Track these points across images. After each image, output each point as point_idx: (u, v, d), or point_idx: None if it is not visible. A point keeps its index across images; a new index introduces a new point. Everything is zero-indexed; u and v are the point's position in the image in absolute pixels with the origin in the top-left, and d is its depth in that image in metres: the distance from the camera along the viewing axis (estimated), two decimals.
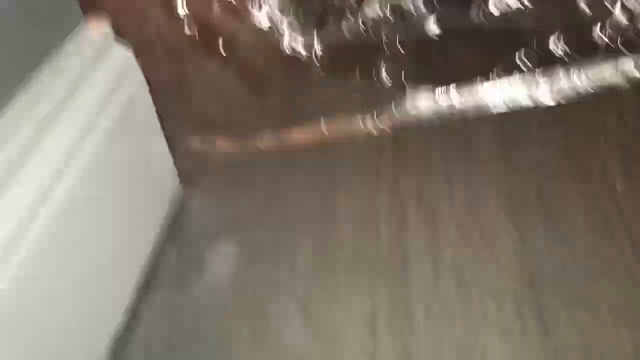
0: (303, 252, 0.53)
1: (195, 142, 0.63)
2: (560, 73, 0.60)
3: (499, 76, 0.61)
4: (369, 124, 0.62)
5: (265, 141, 0.62)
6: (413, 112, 0.62)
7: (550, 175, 0.55)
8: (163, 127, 0.54)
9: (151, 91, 0.52)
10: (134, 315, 0.49)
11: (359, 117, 0.63)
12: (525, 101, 0.61)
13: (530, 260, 0.49)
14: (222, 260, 0.53)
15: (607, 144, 0.56)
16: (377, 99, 0.64)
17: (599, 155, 0.56)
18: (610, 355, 0.42)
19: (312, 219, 0.56)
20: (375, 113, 0.63)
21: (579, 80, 0.59)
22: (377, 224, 0.55)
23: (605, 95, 0.59)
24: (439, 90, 0.63)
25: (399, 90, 0.64)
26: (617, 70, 0.59)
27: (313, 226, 0.55)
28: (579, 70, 0.60)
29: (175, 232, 0.55)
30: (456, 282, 0.49)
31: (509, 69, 0.62)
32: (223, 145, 0.62)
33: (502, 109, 0.60)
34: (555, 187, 0.54)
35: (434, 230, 0.53)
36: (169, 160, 0.56)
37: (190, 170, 0.60)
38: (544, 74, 0.61)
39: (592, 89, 0.59)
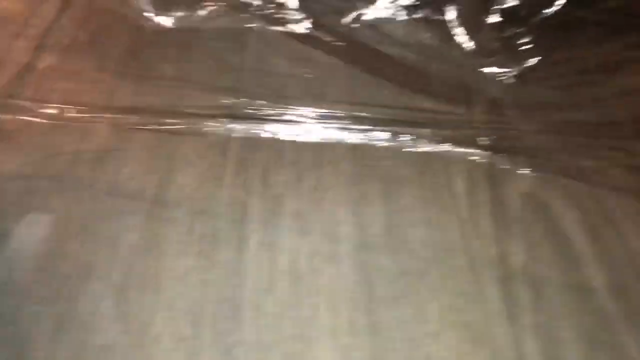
0: (128, 232, 0.48)
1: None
2: None
3: None
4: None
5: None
6: None
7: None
8: None
9: None
10: None
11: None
12: None
13: (368, 260, 0.47)
14: (28, 234, 0.46)
15: None
16: None
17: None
18: (430, 351, 0.42)
19: (142, 199, 0.50)
20: None
21: None
22: (217, 207, 0.51)
23: None
24: None
25: None
26: None
27: (142, 207, 0.50)
28: None
29: None
30: (292, 278, 0.46)
31: None
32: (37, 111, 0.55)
33: None
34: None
35: (275, 220, 0.50)
36: None
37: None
38: None
39: None
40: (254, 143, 0.57)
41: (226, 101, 0.58)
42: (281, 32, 0.65)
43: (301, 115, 0.58)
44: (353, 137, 0.57)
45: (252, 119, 0.57)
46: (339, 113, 0.58)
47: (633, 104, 0.57)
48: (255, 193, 0.52)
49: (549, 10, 0.58)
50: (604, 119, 0.57)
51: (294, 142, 0.57)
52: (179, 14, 0.64)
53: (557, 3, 0.57)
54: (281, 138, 0.56)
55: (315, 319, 0.44)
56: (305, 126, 0.57)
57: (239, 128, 0.57)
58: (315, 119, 0.58)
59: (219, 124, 0.56)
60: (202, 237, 0.48)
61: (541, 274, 0.47)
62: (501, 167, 0.54)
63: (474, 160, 0.55)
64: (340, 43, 0.63)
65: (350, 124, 0.58)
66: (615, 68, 0.59)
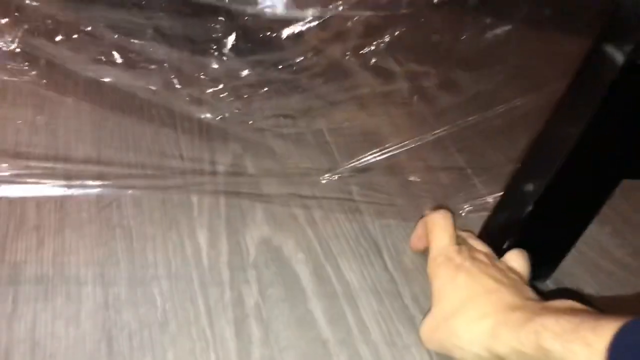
0: None
1: None
2: None
3: None
4: None
5: None
6: None
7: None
8: None
9: None
10: None
11: None
12: None
13: (109, 318, 0.50)
14: None
15: None
16: None
17: None
18: None
19: None
20: None
21: None
22: None
23: None
24: None
25: None
26: None
27: None
28: None
29: None
30: (30, 344, 0.47)
31: None
32: None
33: None
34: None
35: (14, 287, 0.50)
36: None
37: None
38: None
39: None
40: None
41: None
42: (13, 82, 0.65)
43: (43, 174, 0.59)
44: (97, 195, 0.59)
45: None
46: (83, 170, 0.60)
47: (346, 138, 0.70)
48: None
49: (245, 72, 0.67)
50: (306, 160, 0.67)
51: (36, 204, 0.57)
52: None
53: (251, 67, 0.67)
54: (23, 200, 0.57)
55: None
56: (46, 186, 0.58)
57: None
58: (58, 176, 0.59)
59: None
60: None
61: (271, 312, 0.53)
62: (240, 214, 0.61)
63: (215, 210, 0.61)
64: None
65: (95, 181, 0.60)
66: (301, 114, 0.71)
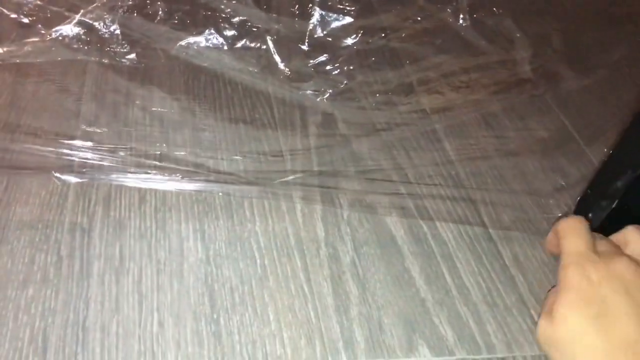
0: None
1: None
2: None
3: None
4: None
5: None
6: None
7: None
8: None
9: None
10: None
11: None
12: None
13: (211, 272, 0.51)
14: None
15: None
16: None
17: None
18: (271, 350, 0.46)
19: None
20: None
21: None
22: (58, 235, 0.52)
23: None
24: None
25: None
26: None
27: None
28: None
29: None
30: (137, 297, 0.49)
31: None
32: None
33: None
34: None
35: (119, 242, 0.52)
36: None
37: None
38: None
39: None
40: None
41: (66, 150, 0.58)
42: (113, 65, 0.66)
43: (144, 157, 0.59)
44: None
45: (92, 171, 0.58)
46: (183, 155, 0.60)
47: (425, 121, 0.66)
48: (97, 217, 0.54)
49: (349, 41, 0.65)
50: (407, 133, 0.65)
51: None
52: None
53: (356, 34, 0.64)
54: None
55: (161, 333, 0.47)
56: (149, 173, 0.58)
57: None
58: (159, 162, 0.59)
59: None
60: (45, 266, 0.49)
61: (367, 270, 0.53)
62: (332, 172, 0.60)
63: (308, 167, 0.60)
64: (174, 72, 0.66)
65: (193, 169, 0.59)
66: (409, 89, 0.67)
